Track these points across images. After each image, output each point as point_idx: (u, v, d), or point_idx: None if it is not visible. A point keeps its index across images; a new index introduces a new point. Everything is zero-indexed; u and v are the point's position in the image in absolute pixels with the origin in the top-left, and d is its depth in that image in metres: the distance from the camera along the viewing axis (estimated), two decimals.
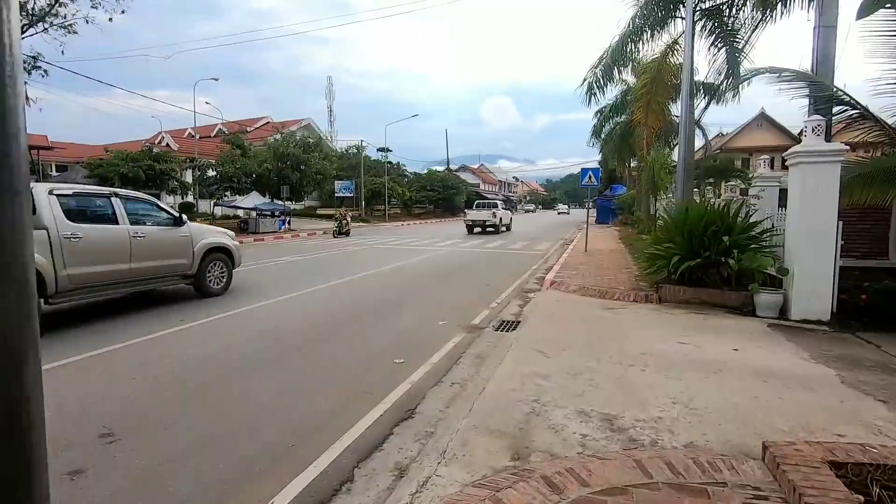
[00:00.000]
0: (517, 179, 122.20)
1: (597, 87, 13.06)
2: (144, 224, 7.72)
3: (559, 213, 76.39)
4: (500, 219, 26.03)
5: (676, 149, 14.03)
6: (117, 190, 7.91)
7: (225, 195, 25.99)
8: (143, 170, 19.07)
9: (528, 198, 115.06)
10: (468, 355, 5.51)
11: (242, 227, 27.42)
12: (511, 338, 6.06)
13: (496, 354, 5.39)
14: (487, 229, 25.29)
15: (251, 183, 27.64)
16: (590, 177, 15.48)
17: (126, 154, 20.77)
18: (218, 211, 28.93)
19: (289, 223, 29.16)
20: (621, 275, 10.57)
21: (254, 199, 27.48)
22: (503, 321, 7.11)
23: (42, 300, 6.13)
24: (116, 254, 7.09)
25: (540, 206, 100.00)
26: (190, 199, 30.00)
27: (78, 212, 6.84)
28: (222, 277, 8.89)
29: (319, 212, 45.28)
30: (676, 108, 13.88)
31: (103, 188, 8.20)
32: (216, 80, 35.99)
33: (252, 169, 26.89)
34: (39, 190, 6.41)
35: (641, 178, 20.21)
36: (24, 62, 20.07)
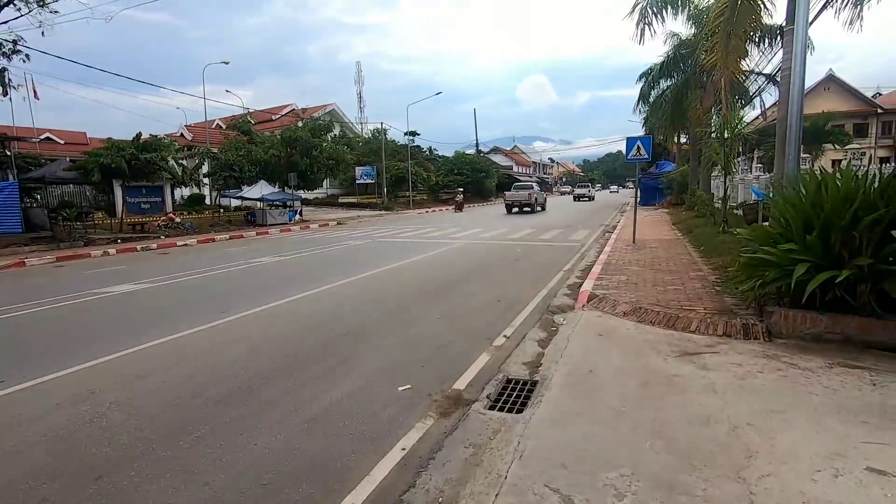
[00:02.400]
0: (552, 161, 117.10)
1: (652, 13, 9.69)
2: None
3: (569, 193, 68.12)
4: (536, 199, 28.85)
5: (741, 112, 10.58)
6: None
7: (227, 185, 23.87)
8: (125, 159, 17.00)
9: (563, 179, 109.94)
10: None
11: (249, 219, 25.43)
12: (513, 437, 3.22)
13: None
14: (524, 209, 28.37)
15: (258, 171, 25.46)
16: (638, 147, 12.18)
17: (112, 143, 18.83)
18: (227, 203, 27.06)
19: (300, 213, 26.98)
20: (691, 281, 7.44)
21: (261, 189, 25.34)
22: (508, 383, 4.25)
23: None
24: None
25: (540, 185, 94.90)
26: (200, 191, 28.34)
27: None
28: None
29: (342, 200, 43.23)
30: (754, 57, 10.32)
31: None
32: (226, 63, 34.16)
33: (258, 156, 24.68)
34: None
35: (703, 148, 16.65)
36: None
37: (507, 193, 30.33)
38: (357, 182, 41.84)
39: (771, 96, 17.02)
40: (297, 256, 13.20)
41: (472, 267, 10.54)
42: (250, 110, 37.60)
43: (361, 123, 48.19)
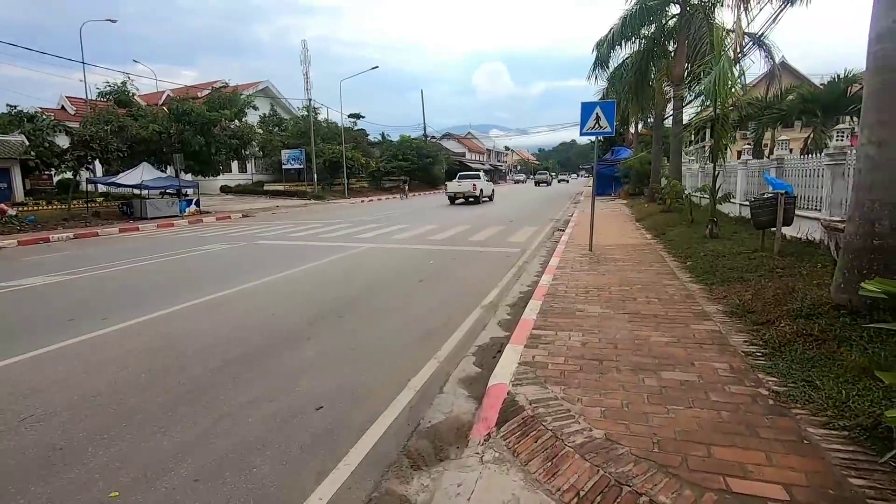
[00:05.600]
0: (507, 149, 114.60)
1: None
2: None
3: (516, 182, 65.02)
4: (481, 190, 26.09)
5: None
6: None
7: (80, 165, 18.64)
8: None
9: (518, 167, 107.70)
10: None
11: (125, 210, 20.45)
12: None
13: None
14: (468, 200, 25.93)
15: (140, 152, 20.45)
16: (597, 117, 8.63)
17: None
18: (96, 188, 21.81)
19: (197, 204, 22.19)
20: (704, 351, 3.88)
21: (142, 174, 20.35)
22: None
23: None
24: None
25: (531, 176, 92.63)
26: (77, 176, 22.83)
27: None
28: None
29: (268, 188, 38.17)
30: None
31: None
32: (114, 21, 28.41)
33: (134, 132, 19.68)
34: None
35: (674, 126, 13.45)
36: None
37: (447, 184, 28.15)
38: (284, 168, 36.86)
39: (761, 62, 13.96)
40: (101, 272, 8.89)
41: (341, 298, 6.66)
42: (182, 86, 31.77)
43: (308, 106, 42.63)
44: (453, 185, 26.53)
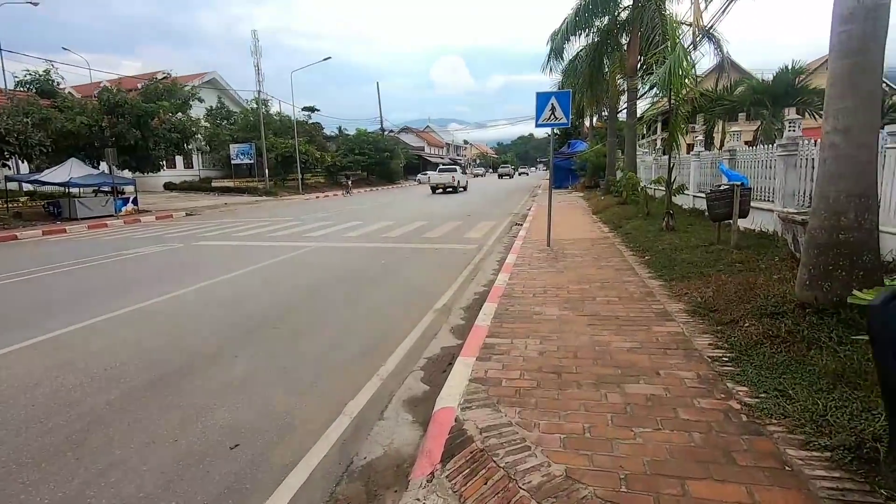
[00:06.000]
0: (466, 142, 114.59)
1: None
2: None
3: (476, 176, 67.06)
4: (458, 181, 30.90)
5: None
6: None
7: (6, 163, 16.97)
8: None
9: (477, 161, 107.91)
10: None
11: (52, 211, 18.76)
12: None
13: None
14: (447, 190, 30.25)
15: (66, 147, 18.78)
16: (552, 108, 8.33)
17: None
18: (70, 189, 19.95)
19: (135, 202, 20.67)
20: (669, 358, 3.58)
21: (70, 170, 18.69)
22: None
23: None
24: None
25: (490, 170, 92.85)
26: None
27: None
28: None
29: (217, 184, 36.31)
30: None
31: None
32: (35, 3, 26.06)
33: (59, 126, 18.02)
34: None
35: (628, 118, 13.40)
36: None
37: (431, 176, 33.00)
38: (233, 163, 35.14)
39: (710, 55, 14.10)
40: (4, 283, 7.87)
41: (280, 305, 6.06)
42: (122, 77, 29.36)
43: (260, 99, 40.44)
44: (435, 177, 31.22)
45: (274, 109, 44.27)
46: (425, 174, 46.37)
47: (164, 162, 24.96)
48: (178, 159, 35.64)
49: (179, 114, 23.92)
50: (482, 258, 8.69)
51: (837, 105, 3.55)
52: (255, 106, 37.42)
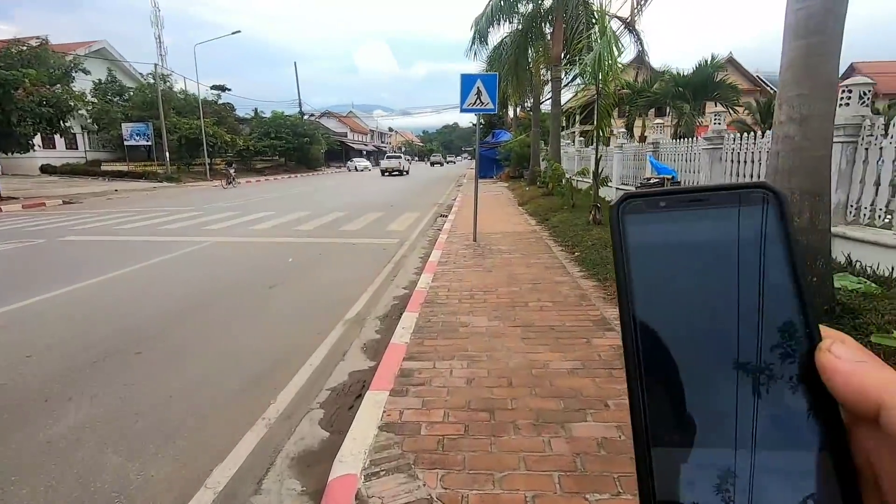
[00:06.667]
0: (391, 130, 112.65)
1: None
2: None
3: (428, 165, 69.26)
4: (404, 166, 38.12)
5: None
6: None
7: None
8: None
9: (402, 149, 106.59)
10: None
11: None
12: None
13: None
14: (393, 173, 36.83)
15: None
16: (478, 93, 7.70)
17: None
18: None
19: None
20: (618, 377, 3.05)
21: None
22: None
23: None
24: None
25: (416, 158, 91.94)
26: None
27: None
28: None
29: (108, 167, 32.26)
30: None
31: None
32: None
33: None
34: None
35: (553, 109, 13.15)
36: None
37: (382, 161, 40.09)
38: (127, 144, 31.31)
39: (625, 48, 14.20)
40: None
41: (151, 320, 4.91)
42: None
43: (157, 73, 35.73)
44: (385, 163, 38.48)
45: (179, 87, 40.28)
46: (355, 161, 51.34)
47: (37, 141, 21.45)
48: (59, 139, 31.12)
49: (59, 86, 20.60)
50: (404, 254, 7.94)
51: (793, 91, 3.18)
52: (152, 81, 33.50)
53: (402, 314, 4.64)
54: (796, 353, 0.24)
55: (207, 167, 32.37)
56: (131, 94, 35.84)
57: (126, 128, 30.97)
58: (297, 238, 9.46)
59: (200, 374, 3.65)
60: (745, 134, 5.97)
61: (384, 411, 2.82)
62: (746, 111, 17.69)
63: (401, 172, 37.07)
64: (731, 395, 0.24)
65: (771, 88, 45.18)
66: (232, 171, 27.29)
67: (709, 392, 0.24)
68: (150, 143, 31.01)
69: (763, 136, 5.94)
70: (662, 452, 0.24)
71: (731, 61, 32.23)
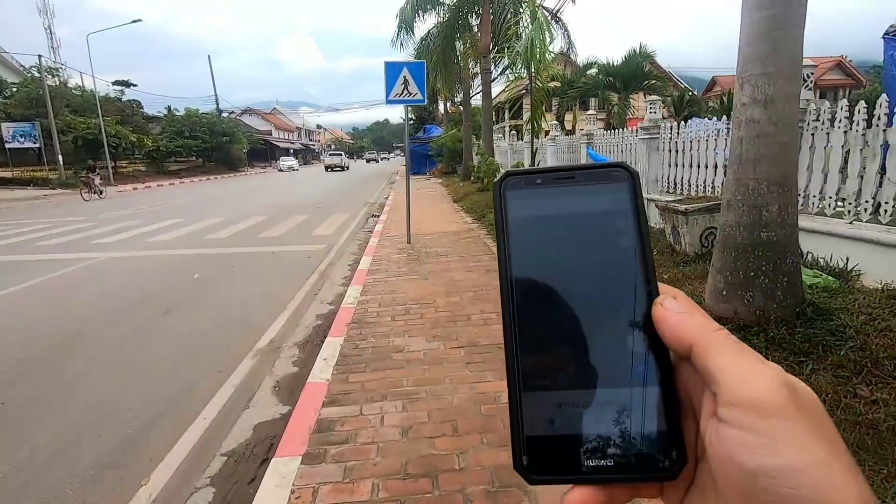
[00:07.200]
0: (320, 127, 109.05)
1: None
2: None
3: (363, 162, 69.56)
4: (345, 163, 43.82)
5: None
6: None
7: None
8: None
9: (332, 146, 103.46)
10: None
11: None
12: None
13: None
14: (336, 169, 41.53)
15: None
16: (404, 82, 7.05)
17: None
18: None
19: None
20: None
21: None
22: None
23: None
24: None
25: (347, 155, 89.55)
26: None
27: None
28: None
29: None
30: None
31: None
32: None
33: None
34: None
35: (484, 102, 12.73)
36: None
37: (325, 158, 47.52)
38: (8, 147, 27.50)
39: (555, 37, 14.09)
40: None
41: (2, 364, 3.84)
42: None
43: (42, 66, 31.31)
44: (328, 160, 44.47)
45: (74, 82, 36.21)
46: (282, 160, 50.08)
47: None
48: None
49: None
50: (331, 262, 7.13)
51: (756, 70, 2.81)
52: (38, 75, 29.63)
53: (325, 338, 3.92)
54: (639, 307, 0.28)
55: (111, 170, 29.25)
56: (14, 90, 31.61)
57: (6, 128, 27.17)
58: (209, 248, 8.34)
59: (52, 441, 2.74)
60: (683, 122, 5.81)
61: (292, 491, 2.12)
62: (662, 104, 18.37)
63: (342, 168, 42.23)
64: (586, 344, 0.28)
65: (681, 83, 49.00)
66: (96, 178, 20.49)
67: (569, 342, 0.28)
68: (37, 144, 27.43)
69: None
70: (530, 396, 0.28)
71: (564, 54, 33.88)
